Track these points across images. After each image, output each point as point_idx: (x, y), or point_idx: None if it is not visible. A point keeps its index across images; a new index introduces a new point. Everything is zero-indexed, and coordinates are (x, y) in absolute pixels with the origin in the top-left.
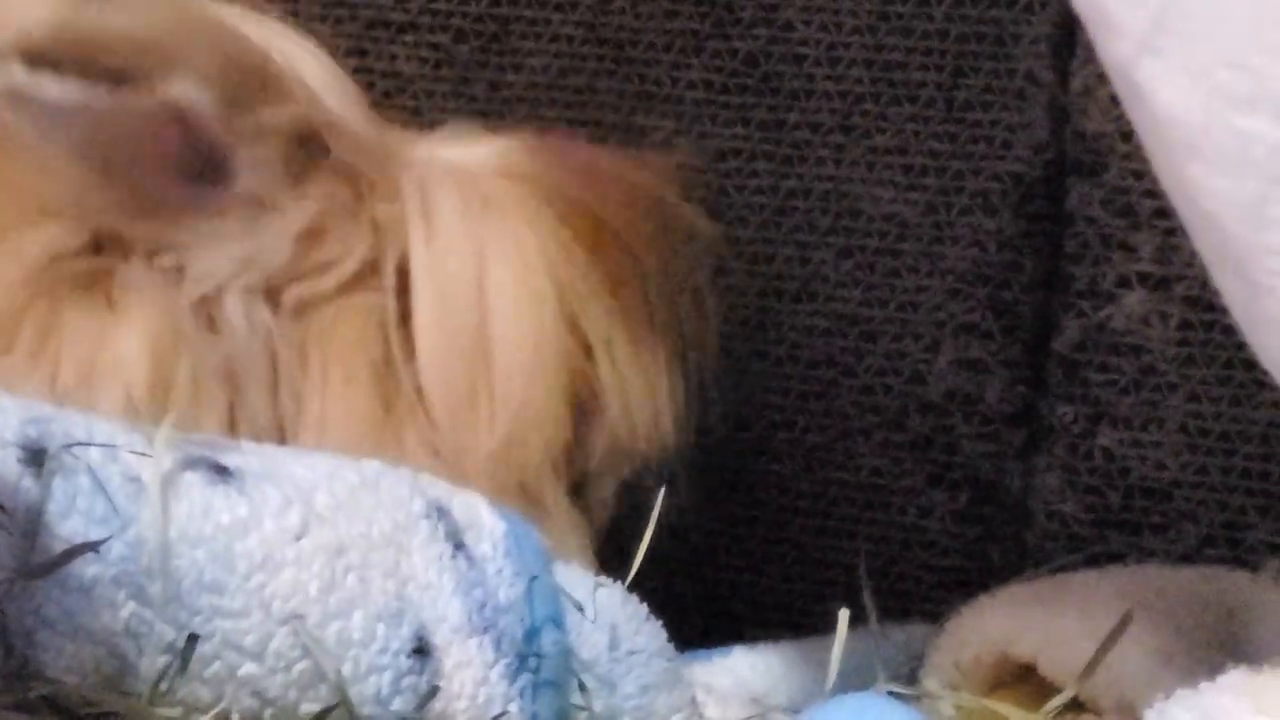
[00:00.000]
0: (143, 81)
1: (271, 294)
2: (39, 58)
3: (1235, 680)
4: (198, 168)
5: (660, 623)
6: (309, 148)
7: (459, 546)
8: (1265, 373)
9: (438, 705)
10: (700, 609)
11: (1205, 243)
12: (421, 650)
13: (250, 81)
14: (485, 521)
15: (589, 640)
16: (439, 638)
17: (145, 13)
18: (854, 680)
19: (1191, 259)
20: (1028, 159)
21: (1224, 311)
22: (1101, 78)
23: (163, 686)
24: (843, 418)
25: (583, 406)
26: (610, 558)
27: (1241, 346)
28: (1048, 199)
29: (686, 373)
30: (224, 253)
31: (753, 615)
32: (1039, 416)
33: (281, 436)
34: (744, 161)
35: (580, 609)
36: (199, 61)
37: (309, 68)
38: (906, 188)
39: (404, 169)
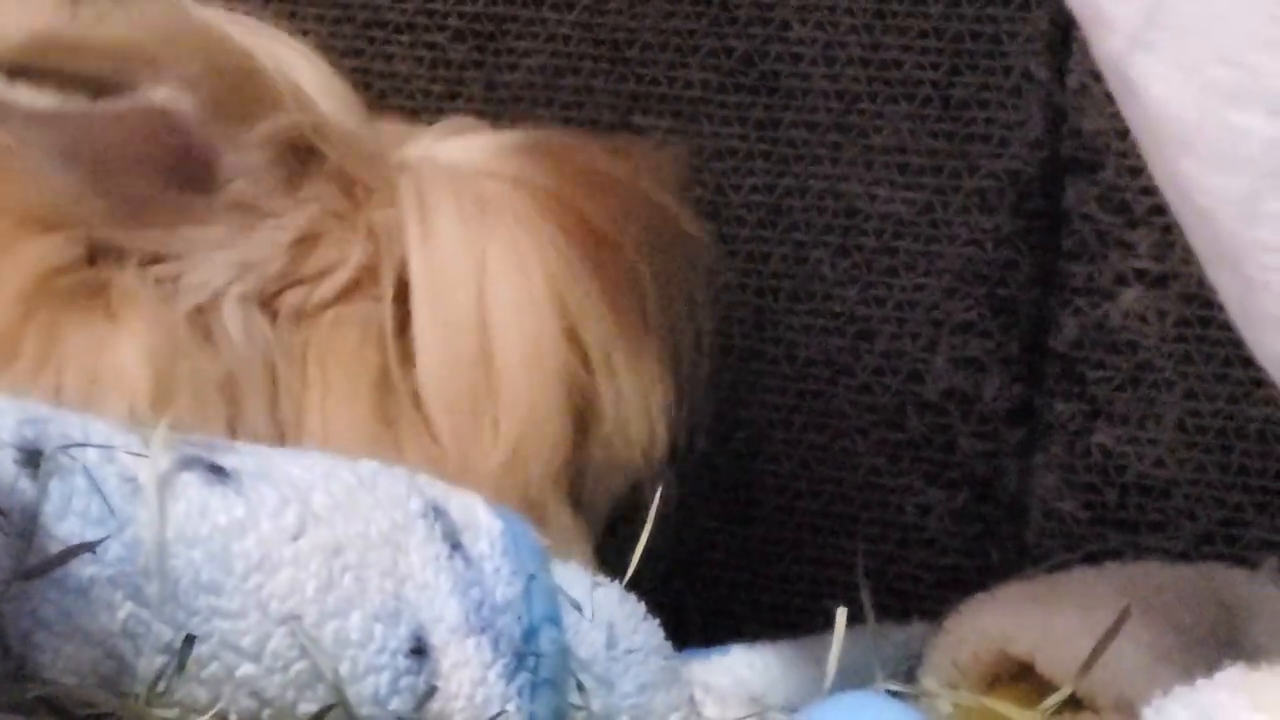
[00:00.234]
0: (126, 88)
1: (268, 302)
2: (15, 68)
3: (1232, 677)
4: (185, 173)
5: (658, 621)
6: (301, 153)
7: (456, 546)
8: (1262, 369)
9: (435, 705)
10: (698, 608)
11: (1199, 239)
12: (419, 650)
13: (237, 87)
14: (482, 521)
15: (587, 639)
16: (436, 637)
17: (129, 20)
18: (852, 679)
19: (1188, 256)
20: (1024, 157)
21: (1221, 308)
22: (1097, 75)
23: (160, 687)
24: (840, 416)
25: (581, 419)
26: (609, 557)
27: (1239, 343)
28: (1044, 197)
29: (681, 381)
30: (218, 260)
31: (751, 614)
32: (1037, 414)
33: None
34: (741, 161)
35: (578, 608)
36: (183, 68)
37: (302, 71)
38: (903, 186)
39: (400, 172)
